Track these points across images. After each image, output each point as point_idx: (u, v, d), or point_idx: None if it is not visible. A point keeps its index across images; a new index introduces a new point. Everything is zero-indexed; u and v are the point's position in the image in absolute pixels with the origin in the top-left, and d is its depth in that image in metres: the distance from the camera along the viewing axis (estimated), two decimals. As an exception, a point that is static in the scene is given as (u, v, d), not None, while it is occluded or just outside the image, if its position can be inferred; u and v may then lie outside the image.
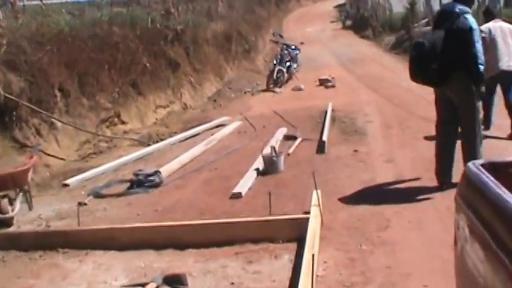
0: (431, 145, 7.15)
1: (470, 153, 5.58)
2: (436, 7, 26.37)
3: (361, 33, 31.23)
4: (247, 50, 25.57)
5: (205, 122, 12.01)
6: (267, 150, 7.96)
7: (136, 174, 7.60)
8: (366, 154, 7.85)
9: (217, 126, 11.41)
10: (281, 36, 20.37)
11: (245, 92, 17.06)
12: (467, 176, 2.37)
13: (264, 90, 16.31)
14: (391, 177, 6.64)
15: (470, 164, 2.40)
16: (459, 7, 5.72)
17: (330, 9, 51.15)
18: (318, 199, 5.18)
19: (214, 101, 15.82)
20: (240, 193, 6.59)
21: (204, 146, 9.56)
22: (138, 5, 21.02)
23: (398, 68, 17.82)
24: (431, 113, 6.69)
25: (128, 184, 7.65)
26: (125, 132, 11.99)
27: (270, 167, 7.38)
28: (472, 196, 2.23)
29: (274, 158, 7.40)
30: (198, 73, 18.33)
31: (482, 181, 2.15)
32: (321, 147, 8.27)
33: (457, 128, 5.96)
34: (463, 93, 5.73)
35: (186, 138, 10.60)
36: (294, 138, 9.15)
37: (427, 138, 7.84)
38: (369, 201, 5.81)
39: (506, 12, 19.22)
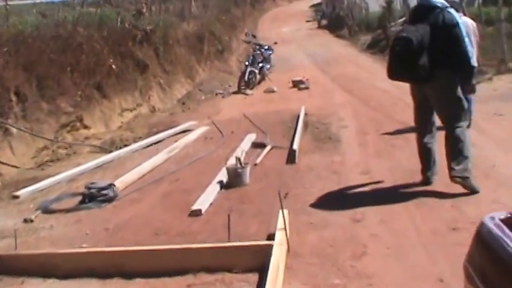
0: (410, 154, 6.68)
1: (457, 150, 5.53)
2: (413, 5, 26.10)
3: (336, 33, 30.76)
4: (220, 51, 24.92)
5: (172, 127, 11.35)
6: (232, 160, 7.28)
7: (88, 188, 6.88)
8: (340, 164, 7.21)
9: (183, 132, 10.73)
10: (254, 36, 19.74)
11: (216, 94, 16.42)
12: (482, 234, 1.67)
13: (235, 92, 15.67)
14: (367, 192, 6.01)
15: (487, 218, 1.72)
16: (439, 1, 5.56)
17: (306, 9, 50.65)
18: (284, 222, 4.51)
19: (183, 103, 15.12)
20: (200, 210, 5.91)
21: (167, 153, 8.87)
22: (110, 6, 20.40)
23: (374, 68, 17.31)
24: (410, 116, 6.37)
25: (80, 198, 6.94)
26: (87, 138, 11.26)
27: (234, 180, 6.71)
28: (490, 263, 1.55)
29: (239, 170, 6.73)
30: (168, 74, 17.64)
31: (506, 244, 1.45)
32: (291, 157, 7.61)
33: (433, 124, 5.88)
34: (446, 90, 5.57)
35: (149, 145, 9.91)
36: (263, 145, 8.49)
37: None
38: (343, 220, 5.18)
39: (485, 10, 18.81)
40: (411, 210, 5.30)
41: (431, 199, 5.49)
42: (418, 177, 6.08)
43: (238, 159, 6.80)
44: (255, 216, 5.62)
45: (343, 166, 7.08)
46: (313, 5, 51.60)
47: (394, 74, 5.64)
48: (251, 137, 9.30)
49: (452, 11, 5.53)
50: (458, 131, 5.57)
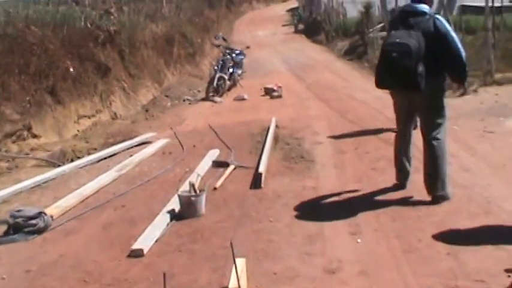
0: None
1: (438, 158, 5.46)
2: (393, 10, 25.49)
3: (313, 38, 29.90)
4: (192, 54, 23.86)
5: (131, 138, 10.25)
6: (188, 183, 6.22)
7: (14, 216, 5.77)
8: (313, 191, 6.18)
9: (141, 144, 9.65)
10: (225, 40, 18.64)
11: (184, 100, 15.34)
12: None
13: (203, 99, 14.59)
14: (345, 230, 5.00)
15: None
16: (425, 7, 5.31)
17: (283, 13, 50.03)
18: (238, 280, 3.48)
19: (147, 110, 14.00)
20: (142, 250, 4.85)
21: (117, 171, 7.78)
22: (79, 5, 19.25)
23: (352, 76, 16.42)
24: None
25: (5, 227, 5.83)
26: (33, 149, 10.08)
27: (187, 210, 5.65)
28: None
29: (193, 198, 5.66)
30: (133, 78, 16.52)
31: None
32: (256, 181, 6.56)
33: (411, 133, 5.82)
34: (434, 99, 5.40)
35: (101, 159, 8.80)
36: (226, 164, 7.44)
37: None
38: (314, 272, 4.17)
39: (464, 18, 18.12)
40: (399, 257, 4.31)
41: (425, 245, 4.50)
42: (407, 211, 5.15)
43: (192, 185, 5.73)
44: (207, 260, 4.57)
45: (317, 194, 6.05)
46: (290, 9, 51.19)
47: (386, 81, 5.38)
48: (214, 153, 8.26)
49: (441, 18, 5.33)
50: (437, 145, 5.42)
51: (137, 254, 4.83)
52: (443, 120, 5.48)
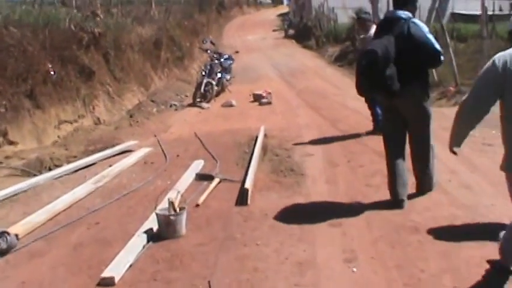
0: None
1: (425, 163, 5.70)
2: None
3: (303, 43, 29.56)
4: (180, 57, 23.41)
5: (112, 145, 9.73)
6: (170, 198, 5.71)
7: (-26, 236, 5.24)
8: (304, 209, 5.70)
9: (122, 153, 9.13)
10: (213, 44, 18.14)
11: (171, 106, 14.82)
12: None
13: (189, 105, 14.07)
14: (338, 256, 4.51)
15: None
16: (402, 13, 5.41)
17: (273, 18, 49.81)
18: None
19: (131, 116, 13.45)
20: (113, 278, 4.33)
21: (94, 183, 7.25)
22: (67, 7, 18.73)
23: (343, 83, 15.97)
24: None
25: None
26: (8, 157, 9.52)
27: (166, 230, 5.13)
28: None
29: (172, 218, 5.15)
30: (118, 82, 15.99)
31: None
32: (242, 197, 6.06)
33: (405, 141, 5.71)
34: (417, 104, 5.47)
35: (78, 169, 8.27)
36: (210, 177, 6.93)
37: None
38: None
39: (456, 26, 17.81)
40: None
41: (428, 276, 4.02)
42: (407, 236, 4.69)
43: (171, 203, 5.22)
44: (185, 292, 4.08)
45: (308, 213, 5.55)
46: (280, 14, 51.14)
47: (362, 88, 5.53)
48: (198, 164, 7.75)
49: (417, 21, 5.41)
50: (428, 147, 5.63)
51: (107, 282, 4.31)
52: (430, 121, 5.58)
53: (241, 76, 18.66)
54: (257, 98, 13.53)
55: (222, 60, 15.79)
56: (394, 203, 5.52)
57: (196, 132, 10.24)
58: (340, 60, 21.85)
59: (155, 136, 10.33)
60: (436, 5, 21.63)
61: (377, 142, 8.10)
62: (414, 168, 5.76)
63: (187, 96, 16.23)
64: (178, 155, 8.55)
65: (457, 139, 4.04)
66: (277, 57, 24.53)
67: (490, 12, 14.90)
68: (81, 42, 14.57)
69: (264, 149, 8.30)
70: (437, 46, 5.31)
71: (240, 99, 14.05)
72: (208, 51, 16.44)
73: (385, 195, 5.73)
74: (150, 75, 18.93)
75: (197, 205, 6.01)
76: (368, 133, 8.89)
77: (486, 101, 3.78)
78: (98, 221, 5.89)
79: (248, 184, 6.20)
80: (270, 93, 13.61)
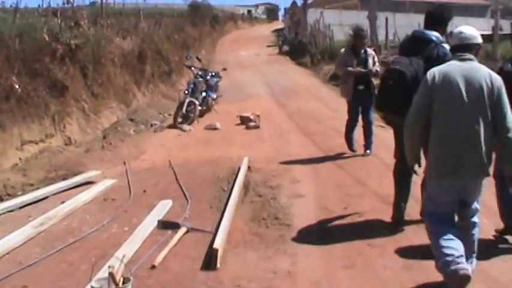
0: (400, 266, 4.07)
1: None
2: (381, 36, 24.21)
3: (298, 60, 28.40)
4: (168, 73, 22.16)
5: (74, 174, 8.46)
6: (110, 266, 4.45)
7: None
8: (288, 279, 4.43)
9: (82, 184, 7.85)
10: (198, 59, 16.92)
11: (151, 125, 13.54)
12: None
13: (170, 126, 12.78)
14: None
15: None
16: (435, 35, 5.14)
17: (268, 33, 48.84)
18: None
19: (104, 137, 12.17)
20: None
21: (36, 227, 5.95)
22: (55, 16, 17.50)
23: (339, 105, 14.50)
24: (392, 185, 5.61)
25: None
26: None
27: (103, 309, 3.87)
28: None
29: (111, 294, 3.88)
30: (96, 98, 14.70)
31: None
32: (210, 258, 4.76)
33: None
34: None
35: (24, 205, 6.97)
36: (176, 226, 5.65)
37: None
38: None
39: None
40: None
41: None
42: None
43: (111, 275, 3.93)
44: None
45: (293, 284, 4.28)
46: (275, 30, 50.20)
47: (383, 107, 5.32)
48: (165, 206, 6.47)
49: (446, 46, 4.99)
50: None
51: None
52: None
53: (231, 94, 17.41)
54: (244, 121, 12.27)
55: (207, 77, 14.53)
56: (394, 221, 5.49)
57: (172, 160, 8.98)
58: (335, 79, 20.55)
59: (124, 164, 9.04)
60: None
61: (378, 182, 6.95)
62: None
63: (170, 115, 14.92)
64: (145, 191, 7.28)
65: (411, 155, 4.39)
66: (270, 75, 23.33)
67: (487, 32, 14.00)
68: (55, 54, 13.32)
69: (246, 186, 7.05)
70: None
71: (226, 121, 12.79)
72: (192, 68, 15.18)
73: (391, 258, 4.50)
74: (132, 91, 17.66)
75: (153, 266, 4.73)
76: None
77: (424, 113, 4.15)
78: (26, 285, 4.60)
79: (219, 241, 4.90)
80: (258, 115, 12.35)
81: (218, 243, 4.81)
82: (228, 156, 8.93)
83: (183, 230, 5.52)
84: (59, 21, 16.10)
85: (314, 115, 13.38)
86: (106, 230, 5.86)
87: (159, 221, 5.76)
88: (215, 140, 10.82)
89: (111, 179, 7.95)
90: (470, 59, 4.13)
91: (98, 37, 16.30)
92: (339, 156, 8.84)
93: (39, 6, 20.30)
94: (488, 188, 4.55)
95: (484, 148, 3.98)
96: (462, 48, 4.19)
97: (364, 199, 6.37)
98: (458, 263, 3.85)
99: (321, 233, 5.41)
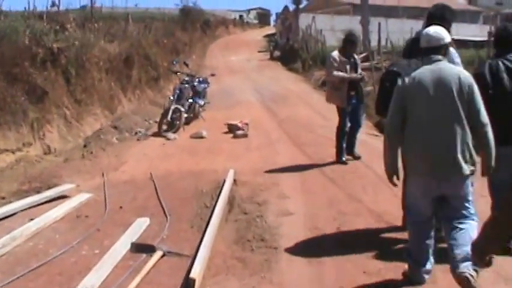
0: None
1: None
2: (374, 41, 23.78)
3: (289, 66, 27.93)
4: (155, 78, 21.59)
5: (49, 186, 7.90)
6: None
7: None
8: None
9: (56, 199, 7.29)
10: (186, 65, 16.38)
11: (135, 133, 12.98)
12: None
13: (154, 134, 12.23)
14: None
15: None
16: None
17: (259, 38, 48.40)
18: None
19: (85, 146, 11.60)
20: None
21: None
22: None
23: (331, 112, 13.86)
24: (391, 205, 5.46)
25: None
26: None
27: None
28: None
29: None
30: (79, 104, 14.14)
31: None
32: (186, 289, 4.25)
33: None
34: None
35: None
36: (151, 249, 5.11)
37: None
38: None
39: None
40: None
41: None
42: None
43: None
44: None
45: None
46: (267, 35, 49.78)
47: (381, 109, 5.10)
48: (141, 224, 5.94)
49: (452, 49, 4.81)
50: None
51: None
52: None
53: (220, 101, 16.88)
54: (232, 129, 11.73)
55: (194, 83, 13.99)
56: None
57: (154, 171, 8.44)
58: (326, 85, 20.17)
59: (103, 176, 8.49)
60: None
61: (373, 197, 6.44)
62: None
63: (157, 122, 14.40)
64: (121, 207, 6.74)
65: (389, 162, 4.29)
66: (261, 81, 22.82)
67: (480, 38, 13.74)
68: (35, 58, 12.78)
69: (231, 202, 6.53)
70: None
71: (213, 129, 12.25)
72: (178, 74, 14.64)
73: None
74: (117, 97, 17.10)
75: (122, 298, 4.21)
76: None
77: (400, 118, 4.17)
78: (-23, 319, 4.06)
79: (198, 267, 4.36)
80: (246, 124, 11.81)
81: (196, 271, 4.27)
82: (213, 168, 8.39)
83: (158, 253, 4.98)
84: (45, 24, 15.65)
85: (305, 123, 12.88)
86: (75, 252, 5.31)
87: (132, 244, 5.21)
88: (200, 149, 10.29)
89: (87, 193, 7.40)
90: (439, 60, 4.13)
91: (82, 41, 15.75)
92: (330, 168, 8.32)
93: (25, 9, 19.94)
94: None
95: (458, 148, 3.96)
96: (431, 50, 4.17)
97: (358, 218, 5.83)
98: (419, 272, 4.13)
99: (311, 258, 4.86)
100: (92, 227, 6.05)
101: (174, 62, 16.33)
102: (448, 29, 4.78)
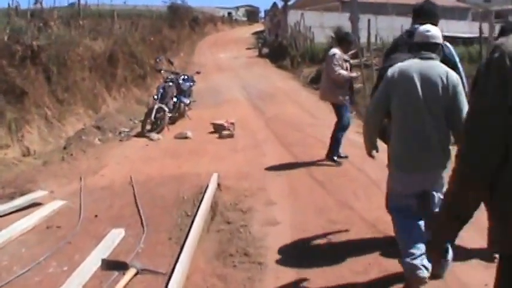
0: None
1: None
2: (363, 38, 23.39)
3: (278, 63, 27.51)
4: (142, 76, 21.08)
5: (24, 192, 7.44)
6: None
7: None
8: None
9: (28, 207, 6.83)
10: (170, 62, 15.93)
11: (119, 133, 12.52)
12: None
13: (137, 135, 11.78)
14: None
15: None
16: None
17: (248, 36, 47.91)
18: None
19: (64, 148, 11.12)
20: None
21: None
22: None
23: (319, 110, 13.66)
24: (381, 207, 4.54)
25: None
26: None
27: None
28: None
29: None
30: (61, 104, 13.67)
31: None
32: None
33: None
34: None
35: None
36: (123, 266, 4.67)
37: None
38: None
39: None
40: None
41: None
42: None
43: None
44: None
45: None
46: (255, 32, 49.38)
47: None
48: (116, 236, 5.49)
49: (449, 45, 4.75)
50: None
51: None
52: None
53: (207, 99, 16.45)
54: (217, 129, 11.28)
55: (180, 81, 13.54)
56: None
57: (134, 175, 8.00)
58: (316, 82, 19.66)
59: (81, 180, 8.04)
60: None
61: (366, 204, 6.03)
62: None
63: (141, 121, 13.94)
64: (96, 215, 6.29)
65: (368, 144, 4.45)
66: (249, 78, 22.38)
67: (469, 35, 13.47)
68: (14, 56, 12.31)
69: (213, 209, 6.10)
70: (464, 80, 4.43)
71: (198, 129, 11.81)
72: (162, 72, 14.17)
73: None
74: (101, 96, 16.60)
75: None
76: None
77: (382, 108, 4.22)
78: None
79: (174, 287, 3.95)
80: (232, 123, 11.36)
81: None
82: (196, 172, 7.95)
83: (131, 271, 4.53)
84: (28, 21, 15.17)
85: (293, 122, 12.46)
86: (41, 270, 4.86)
87: (103, 261, 4.75)
88: (184, 151, 9.84)
89: (61, 200, 6.93)
90: (432, 58, 4.11)
91: (65, 38, 15.27)
92: (319, 170, 7.91)
93: (8, 5, 19.42)
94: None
95: (438, 145, 3.99)
96: (427, 46, 4.13)
97: (351, 227, 5.41)
98: (416, 264, 3.86)
99: (299, 276, 4.43)
100: (62, 239, 5.59)
101: (158, 60, 15.81)
102: (436, 25, 4.65)
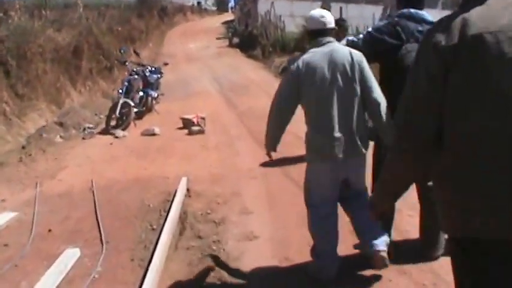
0: None
1: None
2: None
3: (249, 53, 26.88)
4: (109, 68, 20.21)
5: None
6: None
7: None
8: None
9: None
10: (136, 54, 15.15)
11: (84, 129, 11.73)
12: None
13: (102, 132, 11.02)
14: None
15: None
16: (428, 15, 4.36)
17: (218, 25, 47.10)
18: None
19: (23, 147, 10.32)
20: None
21: None
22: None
23: None
24: None
25: None
26: None
27: None
28: None
29: None
30: (21, 99, 12.85)
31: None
32: None
33: None
34: None
35: None
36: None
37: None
38: None
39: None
40: None
41: None
42: None
43: None
44: None
45: None
46: (225, 22, 48.57)
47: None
48: (70, 258, 4.78)
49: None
50: None
51: None
52: None
53: (176, 91, 15.72)
54: (187, 125, 10.58)
55: (146, 74, 12.78)
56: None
57: (96, 179, 7.29)
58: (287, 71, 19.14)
59: (38, 185, 7.29)
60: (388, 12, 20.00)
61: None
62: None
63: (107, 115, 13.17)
64: (50, 230, 5.57)
65: (271, 141, 4.65)
66: (220, 69, 21.66)
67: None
68: (-31, 49, 11.49)
69: (182, 221, 5.43)
70: None
71: (166, 124, 11.09)
72: (127, 64, 13.38)
73: None
74: (65, 90, 15.75)
75: None
76: None
77: (292, 100, 4.17)
78: None
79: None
80: (203, 118, 10.66)
81: None
82: (163, 175, 7.26)
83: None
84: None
85: (267, 115, 11.77)
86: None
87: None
88: (151, 149, 9.13)
89: (12, 212, 6.19)
90: (330, 42, 4.07)
91: (25, 29, 14.38)
92: (296, 171, 7.27)
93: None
94: None
95: (355, 127, 3.96)
96: (324, 32, 4.08)
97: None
98: (325, 262, 4.06)
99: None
100: (9, 261, 4.86)
101: (122, 51, 14.95)
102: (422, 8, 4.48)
